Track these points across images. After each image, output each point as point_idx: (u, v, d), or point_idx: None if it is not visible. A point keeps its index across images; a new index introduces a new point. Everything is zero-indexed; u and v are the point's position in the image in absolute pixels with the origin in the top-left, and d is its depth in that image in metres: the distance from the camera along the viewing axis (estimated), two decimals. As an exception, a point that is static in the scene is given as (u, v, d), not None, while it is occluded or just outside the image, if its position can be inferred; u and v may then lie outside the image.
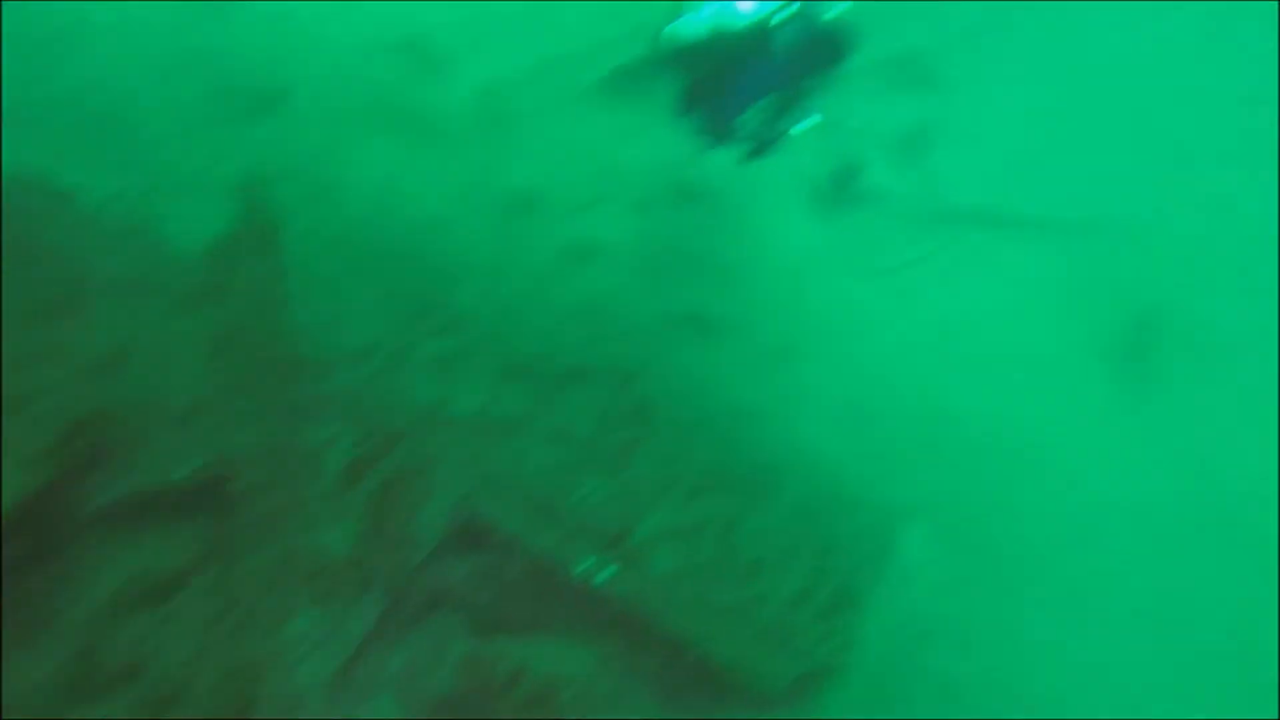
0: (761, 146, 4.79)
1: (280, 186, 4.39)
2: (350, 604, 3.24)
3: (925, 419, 6.09)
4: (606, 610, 3.82)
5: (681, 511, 4.21)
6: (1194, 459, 6.87)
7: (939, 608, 5.01)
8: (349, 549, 3.34)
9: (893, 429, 5.89)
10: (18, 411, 2.92)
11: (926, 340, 6.63)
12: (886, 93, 7.89)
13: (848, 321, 6.44)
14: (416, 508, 3.58)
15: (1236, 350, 7.95)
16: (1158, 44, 11.55)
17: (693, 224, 6.43)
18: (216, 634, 2.98)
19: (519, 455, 4.11)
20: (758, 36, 4.31)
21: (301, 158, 5.54)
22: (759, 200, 6.68)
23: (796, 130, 4.77)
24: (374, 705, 3.27)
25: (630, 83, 6.71)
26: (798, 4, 4.38)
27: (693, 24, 4.45)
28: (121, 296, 3.58)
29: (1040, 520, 5.85)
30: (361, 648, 3.27)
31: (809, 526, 4.51)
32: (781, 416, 5.34)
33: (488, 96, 6.41)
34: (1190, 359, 7.57)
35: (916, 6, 8.80)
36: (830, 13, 4.54)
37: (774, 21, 4.29)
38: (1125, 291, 7.72)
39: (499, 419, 4.23)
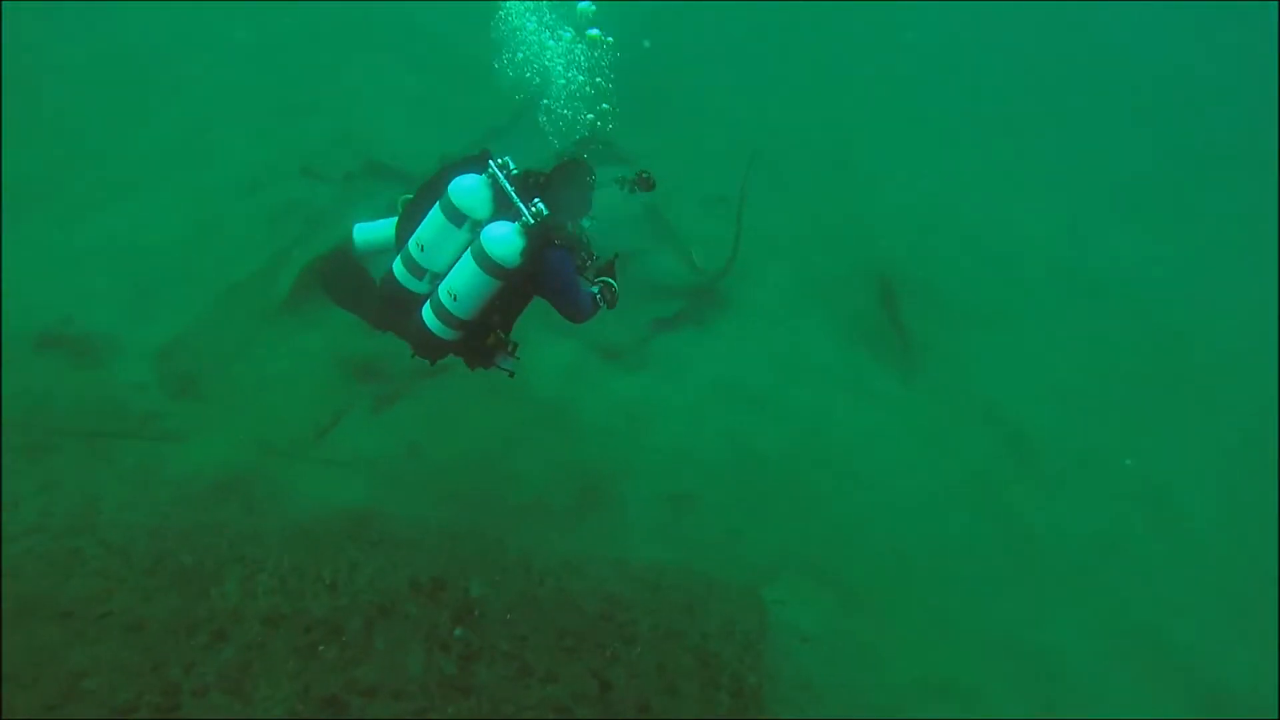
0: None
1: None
2: None
3: (737, 476, 6.18)
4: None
5: (546, 693, 3.85)
6: (969, 412, 7.58)
7: (821, 654, 4.96)
8: None
9: (714, 504, 5.89)
10: None
11: (706, 402, 6.81)
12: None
13: (631, 423, 6.44)
14: None
15: (964, 306, 9.05)
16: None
17: (447, 395, 6.19)
18: None
19: (350, 728, 3.56)
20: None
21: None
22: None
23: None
24: None
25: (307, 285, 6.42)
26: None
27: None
28: None
29: (866, 516, 6.10)
30: None
31: (678, 644, 4.30)
32: (607, 548, 5.14)
33: (168, 361, 5.86)
34: (933, 322, 8.49)
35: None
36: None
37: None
38: (865, 279, 8.55)
39: (311, 700, 3.66)
